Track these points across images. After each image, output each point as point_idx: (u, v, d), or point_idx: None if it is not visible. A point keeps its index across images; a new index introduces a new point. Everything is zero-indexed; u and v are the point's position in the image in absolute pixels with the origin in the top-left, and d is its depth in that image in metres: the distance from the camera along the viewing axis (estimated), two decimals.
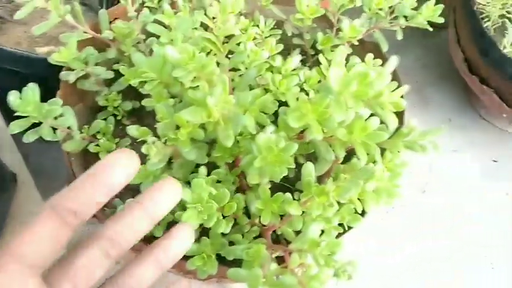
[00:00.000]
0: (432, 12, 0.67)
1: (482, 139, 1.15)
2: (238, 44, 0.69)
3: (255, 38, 0.77)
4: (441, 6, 0.68)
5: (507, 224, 1.02)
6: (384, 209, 1.02)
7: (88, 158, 0.74)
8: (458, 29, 1.04)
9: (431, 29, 0.69)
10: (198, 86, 0.52)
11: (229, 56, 0.63)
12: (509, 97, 0.93)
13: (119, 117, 0.75)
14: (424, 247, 0.99)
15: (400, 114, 0.74)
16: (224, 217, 0.52)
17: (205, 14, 0.71)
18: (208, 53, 0.65)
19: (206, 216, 0.46)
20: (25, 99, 0.57)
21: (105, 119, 0.72)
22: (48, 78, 0.66)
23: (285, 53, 0.89)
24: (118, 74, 0.68)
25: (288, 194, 0.51)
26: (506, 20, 0.98)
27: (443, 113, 1.20)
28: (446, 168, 1.10)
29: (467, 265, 0.97)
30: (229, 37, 0.60)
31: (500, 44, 0.93)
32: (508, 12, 1.00)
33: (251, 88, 0.69)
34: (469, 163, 1.11)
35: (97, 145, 0.68)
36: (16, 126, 0.57)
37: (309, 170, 0.47)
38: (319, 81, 0.70)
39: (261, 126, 0.56)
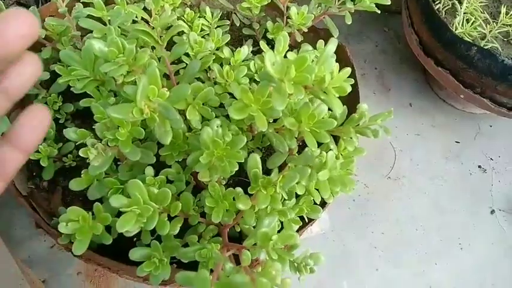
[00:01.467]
0: None
1: (443, 121, 1.16)
2: (180, 35, 0.66)
3: (202, 30, 0.74)
4: None
5: (473, 203, 1.04)
6: (350, 197, 1.01)
7: (30, 167, 0.69)
8: (411, 12, 1.05)
9: (379, 11, 0.67)
10: (134, 81, 0.49)
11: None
12: (464, 77, 0.94)
13: (61, 121, 0.70)
14: (389, 233, 0.99)
15: (355, 101, 0.73)
16: (172, 218, 0.49)
17: (144, 8, 0.68)
18: (152, 49, 0.62)
19: (145, 219, 0.43)
20: None
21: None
22: None
23: (237, 45, 0.86)
24: (56, 75, 0.64)
25: (239, 189, 0.48)
26: (456, 2, 0.98)
27: (404, 97, 1.20)
28: (410, 152, 1.11)
29: (435, 246, 0.98)
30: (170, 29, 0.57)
31: (452, 25, 0.94)
32: None
33: (200, 82, 0.66)
34: (432, 146, 1.12)
35: (37, 151, 0.63)
36: None
37: (255, 161, 0.45)
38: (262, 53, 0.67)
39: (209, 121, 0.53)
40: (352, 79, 0.61)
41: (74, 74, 0.48)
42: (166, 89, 0.41)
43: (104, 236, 0.53)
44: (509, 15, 0.93)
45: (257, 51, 0.85)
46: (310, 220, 0.60)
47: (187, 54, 0.63)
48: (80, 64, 0.48)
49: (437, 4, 1.00)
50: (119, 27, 0.57)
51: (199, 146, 0.48)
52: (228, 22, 0.77)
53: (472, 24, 0.93)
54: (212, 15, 0.76)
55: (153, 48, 0.61)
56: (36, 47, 0.68)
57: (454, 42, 0.90)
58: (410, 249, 0.97)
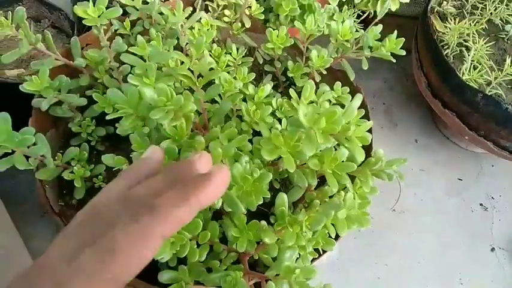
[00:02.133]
0: (394, 45, 0.71)
1: (447, 158, 1.21)
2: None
3: (228, 66, 0.79)
4: (402, 39, 0.72)
5: (474, 240, 1.07)
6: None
7: (62, 184, 0.73)
8: (421, 55, 1.11)
9: (394, 60, 0.73)
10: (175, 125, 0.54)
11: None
12: (469, 120, 0.99)
13: (92, 143, 0.75)
14: (392, 265, 1.02)
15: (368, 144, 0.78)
16: (199, 245, 0.53)
17: (177, 43, 0.73)
18: (180, 83, 0.67)
19: (179, 247, 0.47)
20: None
21: (79, 145, 0.72)
22: (19, 101, 0.66)
23: (258, 79, 0.91)
24: (91, 100, 0.69)
25: (264, 222, 0.52)
26: (464, 48, 1.05)
27: (410, 134, 1.26)
28: (415, 187, 1.15)
29: (436, 280, 1.01)
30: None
31: (459, 71, 1.00)
32: (465, 41, 1.07)
33: (227, 117, 0.71)
34: (436, 182, 1.17)
35: (71, 172, 0.67)
36: None
37: (282, 200, 0.49)
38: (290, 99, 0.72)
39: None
40: (366, 120, 0.66)
41: (121, 112, 0.52)
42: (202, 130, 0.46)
43: None
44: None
45: (275, 86, 0.90)
46: (324, 251, 0.64)
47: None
48: (125, 103, 0.52)
49: (446, 50, 1.06)
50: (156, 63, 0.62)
51: None
52: (252, 59, 0.83)
53: (478, 71, 0.99)
54: (237, 51, 0.82)
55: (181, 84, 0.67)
56: (74, 74, 0.73)
57: (461, 87, 0.96)
58: (413, 282, 1.00)
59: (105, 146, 0.77)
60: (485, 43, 1.06)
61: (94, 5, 0.63)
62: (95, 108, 0.70)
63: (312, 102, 0.72)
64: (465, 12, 1.17)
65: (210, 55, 0.79)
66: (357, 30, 0.77)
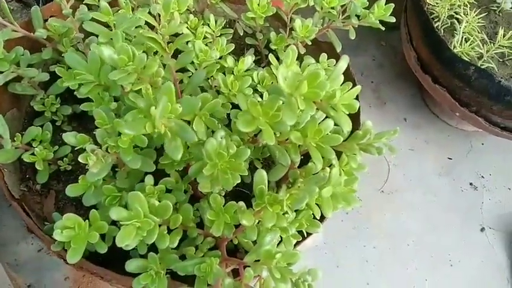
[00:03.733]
0: (383, 12, 0.66)
1: (437, 137, 1.17)
2: (187, 44, 0.65)
3: (205, 38, 0.73)
4: (392, 5, 0.67)
5: (463, 220, 1.05)
6: (343, 210, 1.01)
7: (24, 168, 0.67)
8: (410, 29, 1.06)
9: (383, 28, 0.68)
10: (140, 89, 0.48)
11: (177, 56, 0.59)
12: (461, 96, 0.95)
13: (58, 123, 0.69)
14: (381, 247, 0.99)
15: (355, 116, 0.73)
16: (171, 230, 0.48)
17: (149, 12, 0.67)
18: (154, 54, 0.61)
19: (145, 233, 0.42)
20: None
21: (42, 126, 0.66)
22: None
23: (239, 53, 0.85)
24: (55, 76, 0.62)
25: (241, 203, 0.47)
26: (455, 20, 1.00)
27: (399, 112, 1.21)
28: (403, 167, 1.11)
29: (426, 262, 0.98)
30: (175, 36, 0.56)
31: (450, 44, 0.95)
32: (456, 13, 1.03)
33: (203, 90, 0.66)
34: (425, 161, 1.13)
35: (32, 154, 0.61)
36: None
37: (261, 177, 0.44)
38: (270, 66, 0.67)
39: (213, 131, 0.52)
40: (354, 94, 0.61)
41: (79, 78, 0.47)
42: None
43: (99, 244, 0.51)
44: (506, 37, 0.95)
45: (257, 61, 0.85)
46: (308, 234, 0.60)
47: (191, 62, 0.63)
48: (85, 69, 0.47)
49: (436, 22, 1.01)
50: (123, 32, 0.56)
51: (201, 157, 0.48)
52: (232, 31, 0.77)
53: (470, 43, 0.94)
54: (216, 23, 0.76)
55: (155, 53, 0.61)
56: (36, 47, 0.66)
57: (453, 60, 0.91)
58: (402, 265, 0.97)
59: (72, 126, 0.71)
60: (476, 15, 1.01)
61: None
62: (58, 84, 0.64)
63: None
64: None
65: (187, 27, 0.73)
66: None
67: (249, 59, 0.68)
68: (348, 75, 0.77)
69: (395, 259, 0.97)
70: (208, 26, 0.75)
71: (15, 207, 0.58)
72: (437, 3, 1.03)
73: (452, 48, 0.93)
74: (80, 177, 0.54)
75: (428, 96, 1.12)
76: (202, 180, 0.47)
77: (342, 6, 0.70)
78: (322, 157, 0.46)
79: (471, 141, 1.18)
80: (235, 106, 0.63)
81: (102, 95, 0.55)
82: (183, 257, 0.53)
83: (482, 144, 1.17)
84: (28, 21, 0.67)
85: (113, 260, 0.54)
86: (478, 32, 1.00)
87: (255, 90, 0.68)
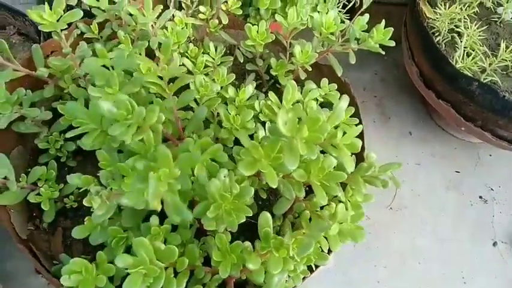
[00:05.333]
0: (382, 36, 0.66)
1: (443, 150, 1.16)
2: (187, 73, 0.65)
3: (206, 66, 0.73)
4: (391, 29, 0.67)
5: (474, 235, 1.03)
6: None
7: (30, 207, 0.67)
8: (411, 44, 1.05)
9: (383, 52, 0.68)
10: (142, 138, 0.48)
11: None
12: (466, 111, 0.94)
13: (63, 159, 0.69)
14: (391, 266, 0.97)
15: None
16: (177, 273, 0.47)
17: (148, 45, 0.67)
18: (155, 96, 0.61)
19: (152, 279, 0.42)
20: None
21: (46, 163, 0.66)
22: None
23: (239, 78, 0.86)
24: (58, 112, 0.63)
25: (247, 243, 0.47)
26: (455, 35, 0.99)
27: (403, 126, 1.20)
28: (411, 182, 1.10)
29: (438, 280, 0.97)
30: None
31: (452, 59, 0.94)
32: (457, 26, 1.02)
33: (207, 123, 0.66)
34: (433, 176, 1.12)
35: (38, 194, 0.61)
36: None
37: (266, 220, 0.44)
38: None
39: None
40: (356, 119, 0.61)
41: (83, 128, 0.47)
42: (176, 145, 0.41)
43: (107, 287, 0.51)
44: (508, 49, 0.94)
45: (259, 85, 0.85)
46: (317, 266, 0.59)
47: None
48: (87, 117, 0.47)
49: (437, 37, 1.00)
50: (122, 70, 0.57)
51: (205, 195, 0.47)
52: (232, 58, 0.77)
53: (472, 58, 0.94)
54: (216, 51, 0.76)
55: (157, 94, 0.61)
56: (38, 84, 0.67)
57: (455, 76, 0.91)
58: (414, 284, 0.95)
59: (77, 161, 0.71)
60: (477, 28, 1.01)
61: (51, 9, 0.57)
62: (61, 122, 0.65)
63: (297, 101, 0.67)
64: None
65: (187, 56, 0.74)
66: (342, 22, 0.71)
67: (250, 88, 0.68)
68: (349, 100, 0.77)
69: (407, 278, 0.96)
70: (209, 54, 0.76)
71: (22, 250, 0.58)
72: (437, 18, 1.03)
73: (454, 63, 0.93)
74: (86, 219, 0.54)
75: (433, 109, 1.11)
76: (206, 221, 0.47)
77: (340, 30, 0.70)
78: (327, 193, 0.45)
79: (478, 153, 1.16)
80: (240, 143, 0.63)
81: (106, 139, 0.55)
82: None
83: (490, 155, 1.16)
84: (29, 58, 0.68)
85: None
86: (480, 45, 0.99)
87: (257, 118, 0.68)
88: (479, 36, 1.00)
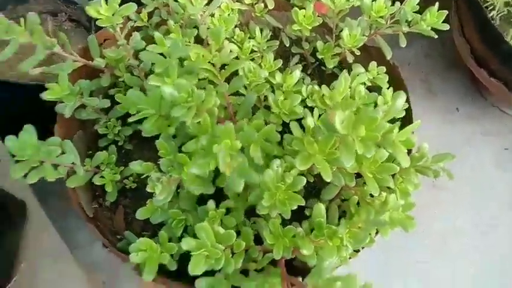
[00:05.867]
0: (436, 19, 0.64)
1: (493, 128, 1.13)
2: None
3: (252, 51, 0.74)
4: (445, 12, 0.65)
5: None
6: None
7: (93, 188, 0.73)
8: (462, 19, 1.01)
9: (435, 36, 0.66)
10: (199, 121, 0.51)
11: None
12: None
13: (120, 143, 0.74)
14: (433, 245, 0.98)
15: (407, 121, 0.72)
16: (234, 253, 0.51)
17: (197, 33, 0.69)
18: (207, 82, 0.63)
19: (213, 261, 0.45)
20: (23, 142, 0.55)
21: (106, 147, 0.71)
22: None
23: (284, 61, 0.86)
24: (114, 99, 0.67)
25: (300, 229, 0.50)
26: (507, 11, 0.94)
27: (450, 102, 1.17)
28: (458, 159, 1.08)
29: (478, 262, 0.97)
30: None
31: (508, 35, 0.90)
32: None
33: (254, 109, 0.68)
34: (482, 153, 1.09)
35: (101, 176, 0.67)
36: (17, 171, 0.56)
37: (319, 211, 0.46)
38: (323, 96, 0.67)
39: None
40: (406, 103, 0.61)
41: (143, 113, 0.50)
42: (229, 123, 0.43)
43: (170, 263, 0.56)
44: None
45: (304, 66, 0.85)
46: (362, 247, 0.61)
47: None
48: (146, 103, 0.50)
49: (491, 11, 0.95)
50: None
51: (258, 184, 0.50)
52: (277, 42, 0.78)
53: None
54: (262, 35, 0.77)
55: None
56: (94, 74, 0.71)
57: (510, 54, 0.87)
58: (453, 265, 0.96)
59: (133, 144, 0.76)
60: None
61: (107, 3, 0.60)
62: (118, 109, 0.69)
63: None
64: None
65: (233, 41, 0.75)
66: (393, 3, 0.69)
67: (297, 73, 0.69)
68: (397, 83, 0.76)
69: (447, 259, 0.97)
70: (254, 39, 0.76)
71: (90, 228, 0.63)
72: None
73: (509, 40, 0.88)
74: (148, 201, 0.58)
75: (483, 86, 1.07)
76: (261, 208, 0.50)
77: (390, 14, 0.69)
78: (378, 185, 0.47)
79: None
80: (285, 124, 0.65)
81: (164, 124, 0.58)
82: (244, 272, 0.57)
83: None
84: (85, 48, 0.72)
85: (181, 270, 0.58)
86: None
87: (306, 106, 0.69)
88: None
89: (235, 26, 0.81)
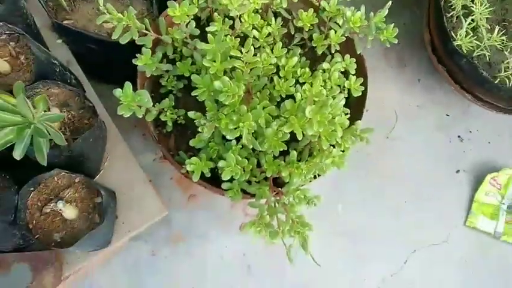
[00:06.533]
0: (390, 34, 0.97)
1: (442, 98, 1.49)
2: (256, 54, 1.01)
3: (268, 35, 1.08)
4: (396, 29, 0.98)
5: (446, 164, 1.42)
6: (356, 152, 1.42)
7: (159, 122, 1.11)
8: (430, 14, 1.31)
9: (396, 41, 0.99)
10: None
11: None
12: (457, 76, 1.25)
13: (174, 92, 1.11)
14: (384, 187, 1.40)
15: (361, 105, 1.08)
16: (244, 170, 0.92)
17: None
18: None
19: (234, 174, 0.86)
20: (125, 93, 0.92)
21: (165, 94, 1.08)
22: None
23: (289, 39, 1.19)
24: (173, 61, 1.03)
25: (282, 162, 0.90)
26: (461, 16, 1.24)
27: (415, 73, 1.51)
28: (409, 119, 1.46)
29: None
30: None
31: (456, 33, 1.22)
32: (472, 1, 1.25)
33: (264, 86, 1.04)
34: (428, 116, 1.47)
35: (165, 115, 1.05)
36: (122, 110, 0.93)
37: (293, 155, 0.86)
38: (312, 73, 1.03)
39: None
40: (363, 87, 0.99)
41: (200, 90, 0.87)
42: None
43: (207, 172, 0.97)
44: (498, 35, 1.20)
45: (303, 44, 1.18)
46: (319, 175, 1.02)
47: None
48: (202, 83, 0.87)
49: (451, 11, 1.26)
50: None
51: (263, 133, 0.89)
52: (285, 30, 1.11)
53: (470, 37, 1.21)
54: (276, 22, 1.10)
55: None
56: (159, 43, 1.05)
57: (453, 51, 1.20)
58: (395, 194, 1.39)
59: (182, 93, 1.13)
60: (489, 5, 1.24)
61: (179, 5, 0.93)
62: (176, 70, 1.05)
63: (324, 70, 1.03)
64: None
65: (255, 27, 1.08)
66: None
67: (295, 59, 1.03)
68: (362, 71, 1.10)
69: (391, 190, 1.39)
70: (271, 26, 1.09)
71: (160, 148, 1.03)
72: None
73: (456, 39, 1.21)
74: (197, 135, 0.97)
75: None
76: (262, 147, 0.89)
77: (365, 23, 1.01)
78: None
79: (469, 103, 1.48)
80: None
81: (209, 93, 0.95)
82: (248, 182, 0.98)
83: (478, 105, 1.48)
84: (156, 25, 1.05)
85: (214, 178, 1.00)
86: (485, 23, 1.24)
87: (298, 82, 1.04)
88: (488, 10, 1.24)
89: (257, 11, 1.13)
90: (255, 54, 0.91)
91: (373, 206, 1.37)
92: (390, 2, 0.95)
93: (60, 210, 0.91)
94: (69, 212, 0.92)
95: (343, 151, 0.89)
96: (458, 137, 1.45)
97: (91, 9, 1.26)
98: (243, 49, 0.90)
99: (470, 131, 1.45)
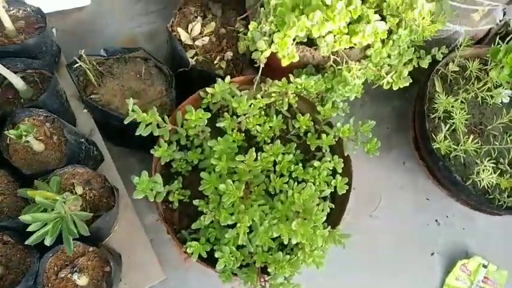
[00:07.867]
0: (372, 147, 1.13)
1: (424, 183, 1.62)
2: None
3: (269, 129, 1.23)
4: (378, 143, 1.13)
5: (421, 245, 1.55)
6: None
7: (167, 204, 1.25)
8: (415, 113, 1.47)
9: (377, 154, 1.15)
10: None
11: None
12: (435, 173, 1.40)
13: (182, 172, 1.26)
14: (367, 259, 1.53)
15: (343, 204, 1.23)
16: (237, 259, 1.06)
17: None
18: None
19: (227, 263, 1.00)
20: (141, 180, 1.07)
21: (175, 176, 1.23)
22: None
23: (287, 128, 1.34)
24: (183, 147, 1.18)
25: (270, 256, 1.04)
26: (441, 122, 1.39)
27: (400, 157, 1.66)
28: (392, 199, 1.60)
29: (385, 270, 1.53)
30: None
31: (436, 136, 1.36)
32: (453, 107, 1.41)
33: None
34: (409, 198, 1.61)
35: (173, 195, 1.20)
36: (138, 194, 1.08)
37: (279, 256, 1.00)
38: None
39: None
40: (347, 186, 1.13)
41: (207, 186, 1.02)
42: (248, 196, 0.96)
43: (204, 254, 1.11)
44: (474, 142, 1.35)
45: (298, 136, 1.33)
46: None
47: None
48: (210, 180, 1.02)
49: (434, 113, 1.41)
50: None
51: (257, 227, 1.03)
52: (285, 126, 1.26)
53: (448, 141, 1.36)
54: (277, 118, 1.25)
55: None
56: (173, 131, 1.21)
57: (431, 151, 1.35)
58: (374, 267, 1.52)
59: (188, 172, 1.28)
60: (468, 109, 1.40)
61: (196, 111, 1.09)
62: (187, 157, 1.20)
63: (315, 167, 1.18)
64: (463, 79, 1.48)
65: (259, 124, 1.23)
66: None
67: (290, 156, 1.19)
68: (348, 171, 1.25)
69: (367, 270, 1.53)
70: (272, 121, 1.25)
71: (164, 223, 1.18)
72: (439, 95, 1.42)
73: (435, 141, 1.36)
74: (198, 220, 1.11)
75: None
76: (254, 242, 1.03)
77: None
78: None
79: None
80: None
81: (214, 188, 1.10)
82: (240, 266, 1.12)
83: None
84: (173, 117, 1.21)
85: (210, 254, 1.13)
86: (463, 127, 1.40)
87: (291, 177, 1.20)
88: (467, 113, 1.39)
89: (262, 108, 1.29)
90: (256, 159, 1.07)
91: (350, 279, 1.48)
92: (374, 122, 1.11)
93: (74, 279, 1.05)
94: (82, 281, 1.06)
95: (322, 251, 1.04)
96: (436, 220, 1.59)
97: (116, 85, 1.43)
98: (246, 156, 1.06)
99: (447, 216, 1.59)
